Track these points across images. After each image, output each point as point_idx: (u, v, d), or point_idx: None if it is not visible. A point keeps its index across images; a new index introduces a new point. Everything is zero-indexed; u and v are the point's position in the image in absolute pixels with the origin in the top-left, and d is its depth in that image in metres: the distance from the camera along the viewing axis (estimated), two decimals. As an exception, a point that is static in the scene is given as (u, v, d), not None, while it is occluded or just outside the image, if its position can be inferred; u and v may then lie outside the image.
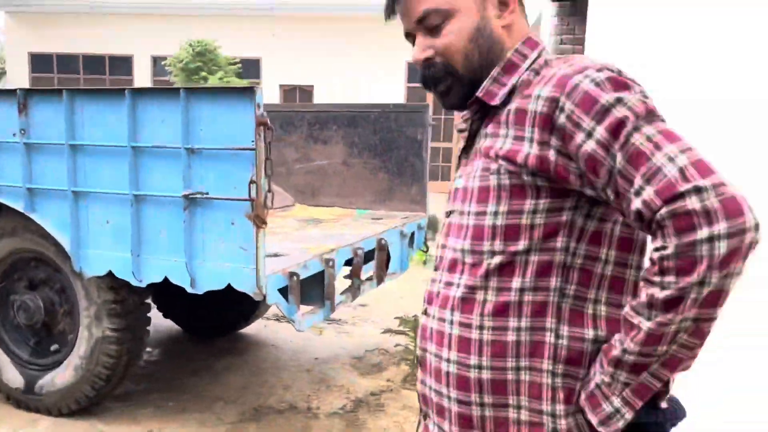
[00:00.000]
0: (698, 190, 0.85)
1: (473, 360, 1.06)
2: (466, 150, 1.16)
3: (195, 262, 2.83)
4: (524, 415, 1.05)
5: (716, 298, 0.87)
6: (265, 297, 2.72)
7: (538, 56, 1.09)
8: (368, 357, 4.51)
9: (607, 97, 0.93)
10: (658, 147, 0.89)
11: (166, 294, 4.04)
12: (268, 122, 2.63)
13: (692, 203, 0.85)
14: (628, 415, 0.97)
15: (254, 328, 5.11)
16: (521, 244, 1.02)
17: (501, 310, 1.04)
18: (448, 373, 1.09)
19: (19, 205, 3.25)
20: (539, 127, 0.98)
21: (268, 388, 3.95)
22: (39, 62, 18.67)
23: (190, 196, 2.78)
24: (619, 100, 0.93)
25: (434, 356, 1.12)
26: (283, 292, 2.90)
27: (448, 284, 1.11)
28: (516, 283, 1.03)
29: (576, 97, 0.94)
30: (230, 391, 3.90)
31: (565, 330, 1.02)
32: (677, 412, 1.03)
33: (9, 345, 3.68)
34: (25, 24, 18.40)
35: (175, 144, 2.79)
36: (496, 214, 1.03)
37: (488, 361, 1.05)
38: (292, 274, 2.90)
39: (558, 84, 0.97)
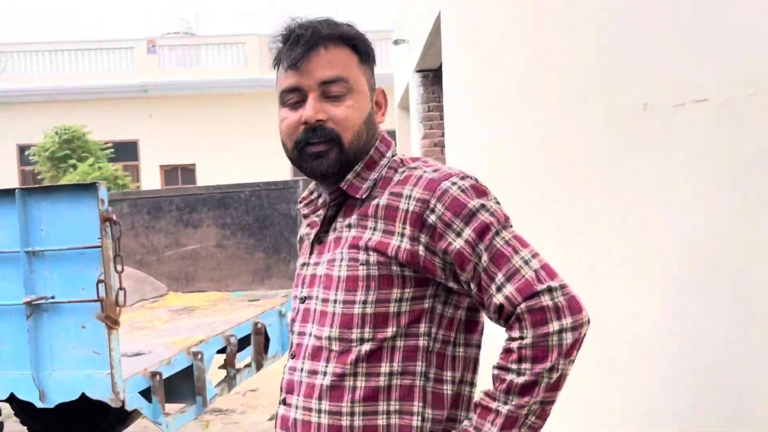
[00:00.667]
0: (550, 290, 1.01)
1: None
2: (319, 235, 1.18)
3: (43, 373, 2.61)
4: None
5: (559, 382, 1.02)
6: (123, 403, 2.53)
7: (393, 155, 1.18)
8: (257, 447, 4.30)
9: (473, 202, 1.06)
10: (515, 251, 1.04)
11: (31, 406, 3.69)
12: (114, 217, 2.52)
13: (546, 300, 1.01)
14: None
15: (132, 430, 4.74)
16: (389, 331, 1.08)
17: (371, 396, 1.07)
18: None
19: None
20: (410, 225, 1.07)
21: (146, 497, 3.64)
22: None
23: (34, 303, 2.58)
24: (482, 206, 1.07)
25: None
26: (146, 393, 2.72)
27: (312, 372, 1.11)
28: (385, 368, 1.08)
29: (446, 201, 1.06)
30: (103, 507, 3.55)
31: (429, 413, 1.09)
32: None
33: None
34: None
35: (14, 248, 2.60)
36: (365, 303, 1.08)
37: None
38: (154, 374, 2.73)
39: (428, 188, 1.07)
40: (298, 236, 1.32)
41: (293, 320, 1.21)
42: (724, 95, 1.16)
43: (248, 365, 3.59)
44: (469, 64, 3.58)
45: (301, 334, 1.16)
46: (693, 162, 1.28)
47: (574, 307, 1.02)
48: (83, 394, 2.57)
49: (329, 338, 1.10)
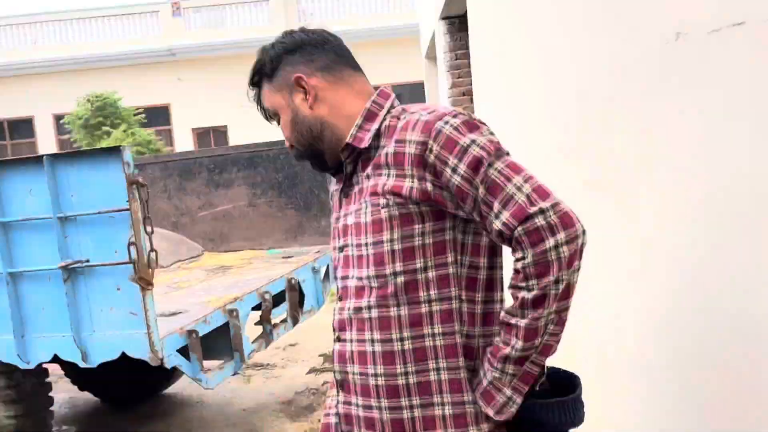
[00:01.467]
0: (542, 211, 1.10)
1: (399, 368, 1.21)
2: (344, 190, 1.31)
3: (84, 334, 2.68)
4: (448, 410, 1.20)
5: (568, 290, 1.12)
6: (162, 361, 2.59)
7: (392, 105, 1.29)
8: (297, 400, 4.39)
9: (464, 138, 1.15)
10: (508, 179, 1.13)
11: (78, 366, 3.82)
12: (141, 180, 2.52)
13: (539, 221, 1.09)
14: (518, 400, 1.17)
15: (179, 386, 4.89)
16: (418, 263, 1.19)
17: (416, 322, 1.20)
18: (377, 386, 1.22)
19: None
20: (415, 166, 1.18)
21: (193, 450, 3.78)
22: (-69, 135, 17.67)
23: (69, 267, 2.63)
24: (473, 141, 1.15)
25: (359, 375, 1.25)
26: (185, 351, 2.78)
27: (359, 309, 1.24)
28: (423, 296, 1.20)
29: (441, 140, 1.16)
30: (153, 460, 3.70)
31: (466, 330, 1.21)
32: (573, 379, 1.26)
33: None
34: None
35: (47, 214, 2.64)
36: (392, 240, 1.20)
37: (413, 367, 1.20)
38: (191, 332, 2.79)
39: (424, 130, 1.18)
40: (330, 193, 1.45)
41: (336, 268, 1.34)
42: (763, 16, 1.07)
43: (284, 321, 3.64)
44: (495, 6, 3.44)
45: (344, 278, 1.29)
46: (731, 96, 1.19)
47: (567, 222, 1.10)
48: (123, 354, 2.64)
49: (368, 277, 1.22)
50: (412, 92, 13.52)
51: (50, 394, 3.39)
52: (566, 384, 1.25)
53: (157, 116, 16.76)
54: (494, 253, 1.24)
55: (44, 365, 3.09)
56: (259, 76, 1.34)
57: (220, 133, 17.24)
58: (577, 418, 1.21)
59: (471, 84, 5.39)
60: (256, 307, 3.40)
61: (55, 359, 2.79)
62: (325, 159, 1.32)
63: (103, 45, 16.99)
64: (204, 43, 16.93)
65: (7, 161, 2.74)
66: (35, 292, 2.74)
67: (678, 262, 1.45)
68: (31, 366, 2.82)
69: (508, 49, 3.17)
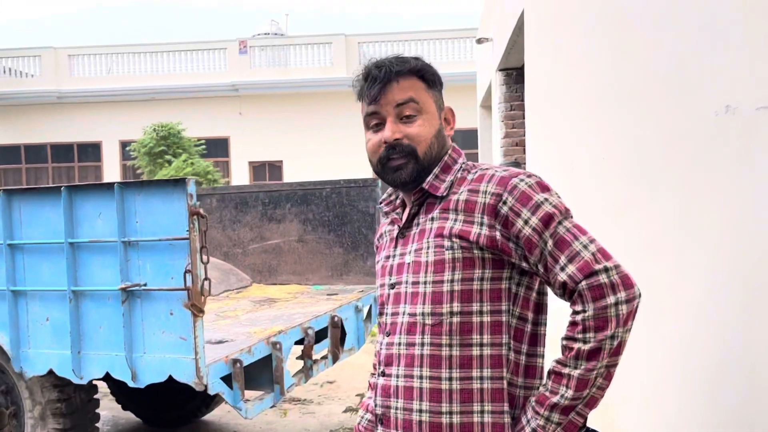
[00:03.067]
0: (606, 270, 1.18)
1: (445, 407, 1.25)
2: (402, 231, 1.38)
3: (135, 355, 2.80)
4: None
5: (620, 347, 1.18)
6: (206, 387, 2.68)
7: (463, 161, 1.39)
8: (332, 437, 4.40)
9: (538, 196, 1.25)
10: (575, 237, 1.22)
11: (124, 386, 3.96)
12: (201, 211, 2.66)
13: (603, 278, 1.17)
14: None
15: (217, 414, 4.98)
16: (475, 306, 1.26)
17: (466, 363, 1.25)
18: (420, 422, 1.27)
19: (-41, 308, 3.19)
20: (487, 215, 1.26)
21: (226, 478, 3.82)
22: (6, 154, 18.71)
23: (129, 289, 2.77)
24: (546, 200, 1.25)
25: (402, 410, 1.29)
26: (228, 379, 2.86)
27: (410, 345, 1.29)
28: (476, 339, 1.25)
29: (516, 194, 1.25)
30: (187, 485, 3.75)
31: (512, 378, 1.27)
32: None
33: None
34: (-9, 117, 18.49)
35: (112, 238, 2.80)
36: (452, 281, 1.26)
37: (458, 407, 1.24)
38: (235, 361, 2.87)
39: (500, 183, 1.27)
40: (378, 234, 1.51)
41: (383, 304, 1.40)
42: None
43: (324, 357, 3.69)
44: (552, 63, 3.52)
45: (395, 314, 1.34)
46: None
47: (627, 283, 1.18)
48: (170, 377, 2.73)
49: (422, 314, 1.28)
50: (465, 139, 13.64)
51: (97, 410, 3.51)
52: None
53: (217, 148, 17.36)
54: (540, 310, 1.31)
55: (94, 382, 3.22)
56: (413, 75, 1.35)
57: (276, 167, 17.70)
58: None
59: (524, 135, 5.44)
60: (299, 342, 3.47)
61: (106, 377, 2.91)
62: (421, 176, 1.34)
63: (171, 77, 17.81)
64: (266, 80, 17.56)
65: (81, 186, 2.92)
66: (94, 310, 2.88)
67: (722, 329, 1.45)
68: (84, 381, 2.94)
69: (562, 104, 3.23)
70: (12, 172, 18.64)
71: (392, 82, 1.33)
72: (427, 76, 1.37)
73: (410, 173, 1.33)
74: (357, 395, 5.28)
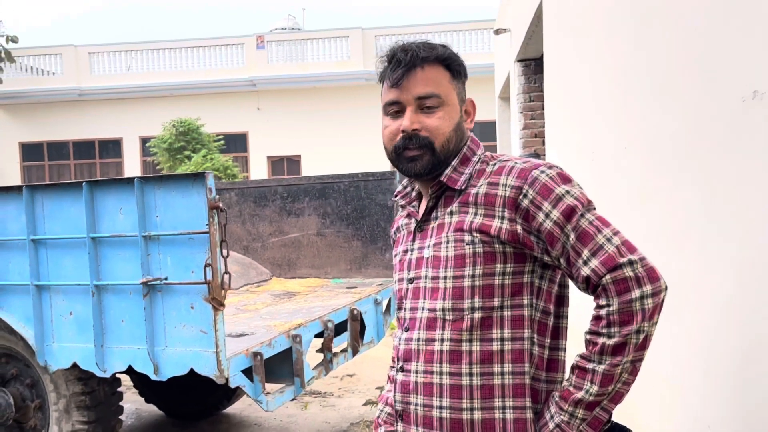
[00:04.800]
0: (631, 263, 1.15)
1: (465, 403, 1.23)
2: (420, 224, 1.35)
3: (157, 348, 2.82)
4: None
5: (646, 341, 1.15)
6: (227, 380, 2.69)
7: (482, 152, 1.36)
8: (352, 430, 4.42)
9: (559, 188, 1.22)
10: (598, 229, 1.19)
11: (147, 379, 4.01)
12: (221, 205, 2.67)
13: (627, 272, 1.14)
14: None
15: (238, 407, 5.02)
16: (496, 301, 1.23)
17: (486, 358, 1.23)
18: (441, 418, 1.25)
19: (-16, 303, 3.25)
20: (507, 208, 1.23)
21: (248, 470, 3.85)
22: (30, 151, 18.99)
23: (150, 283, 2.79)
24: (567, 192, 1.21)
25: (422, 407, 1.28)
26: (248, 372, 2.88)
27: (429, 341, 1.27)
28: (496, 334, 1.23)
29: (536, 186, 1.22)
30: (209, 476, 3.79)
31: (534, 373, 1.25)
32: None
33: (-20, 445, 3.61)
34: (15, 115, 18.79)
35: (133, 232, 2.82)
36: (473, 276, 1.24)
37: (479, 403, 1.23)
38: (255, 354, 2.88)
39: (520, 176, 1.24)
40: (394, 226, 1.48)
41: (402, 299, 1.37)
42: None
43: (344, 350, 3.69)
44: (572, 51, 3.48)
45: (413, 309, 1.32)
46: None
47: (653, 276, 1.15)
48: (192, 370, 2.75)
49: (443, 309, 1.26)
50: (483, 131, 13.56)
51: (120, 403, 3.55)
52: None
53: (236, 143, 17.46)
54: (562, 303, 1.29)
55: (117, 375, 3.25)
56: (440, 63, 1.31)
57: (294, 162, 17.75)
58: None
59: (543, 126, 5.39)
60: (318, 335, 3.48)
61: (129, 370, 2.94)
62: (439, 167, 1.31)
63: (190, 74, 17.93)
64: (284, 75, 17.60)
65: (101, 181, 2.95)
66: (116, 304, 2.91)
67: (749, 321, 1.42)
68: (107, 374, 2.97)
69: (582, 93, 3.19)
70: (35, 168, 18.91)
71: (417, 67, 1.29)
72: (453, 65, 1.33)
73: (425, 165, 1.30)
74: (377, 388, 5.29)
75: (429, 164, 1.30)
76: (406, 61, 1.29)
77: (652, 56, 2.04)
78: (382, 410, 1.47)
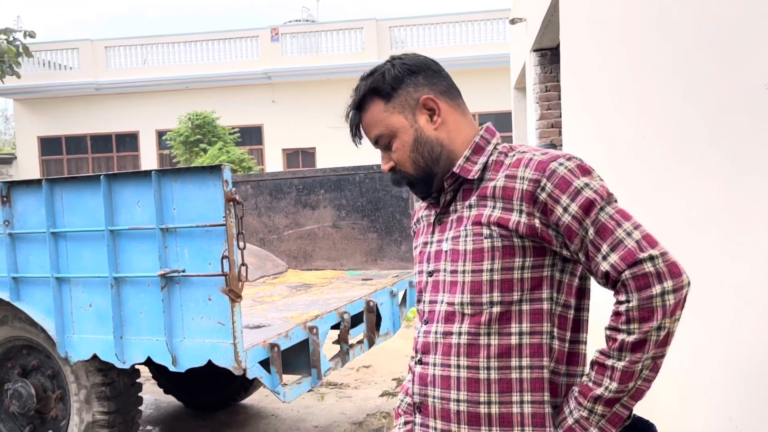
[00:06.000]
0: (651, 258, 1.12)
1: (482, 397, 1.23)
2: (439, 217, 1.35)
3: (175, 340, 2.84)
4: None
5: (667, 338, 1.12)
6: (245, 371, 2.71)
7: (498, 142, 1.33)
8: (369, 421, 4.43)
9: (578, 181, 1.18)
10: (618, 224, 1.16)
11: (165, 370, 4.05)
12: (237, 198, 2.67)
13: (648, 267, 1.11)
14: None
15: (255, 398, 5.05)
16: (515, 295, 1.22)
17: (504, 352, 1.22)
18: (458, 411, 1.25)
19: (5, 295, 3.29)
20: (525, 202, 1.20)
21: (266, 461, 3.88)
22: (48, 145, 19.20)
23: (167, 275, 2.81)
24: (587, 185, 1.18)
25: (440, 399, 1.27)
26: (266, 364, 2.89)
27: (447, 334, 1.27)
28: (515, 328, 1.22)
29: (554, 179, 1.19)
30: (228, 466, 3.82)
31: (554, 367, 1.23)
32: (650, 428, 1.25)
33: (3, 434, 3.67)
34: (33, 109, 19.00)
35: (150, 225, 2.84)
36: (492, 270, 1.22)
37: (497, 397, 1.22)
38: (273, 346, 2.90)
39: (538, 168, 1.21)
40: (415, 218, 1.48)
41: (421, 292, 1.37)
42: None
43: (360, 342, 3.70)
44: (589, 40, 3.44)
45: (432, 302, 1.32)
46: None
47: (674, 271, 1.12)
48: (209, 361, 2.77)
49: (461, 303, 1.25)
50: (499, 122, 13.49)
51: (140, 394, 3.59)
52: None
53: (251, 136, 17.52)
54: (583, 296, 1.27)
55: (136, 366, 3.29)
56: (371, 96, 1.33)
57: (309, 154, 17.78)
58: None
59: (560, 116, 5.34)
60: (335, 327, 3.49)
61: (148, 361, 2.97)
62: (433, 183, 1.32)
63: (205, 67, 18.00)
64: (299, 67, 17.61)
65: (119, 174, 2.97)
66: (135, 297, 2.93)
67: (770, 313, 1.40)
68: (126, 366, 3.01)
69: (599, 83, 3.15)
70: (54, 162, 19.13)
71: (360, 115, 1.35)
72: (380, 89, 1.32)
73: (420, 190, 1.35)
74: (393, 379, 5.30)
75: (423, 187, 1.34)
76: (351, 120, 1.36)
77: (673, 43, 2.01)
78: (402, 400, 1.47)
